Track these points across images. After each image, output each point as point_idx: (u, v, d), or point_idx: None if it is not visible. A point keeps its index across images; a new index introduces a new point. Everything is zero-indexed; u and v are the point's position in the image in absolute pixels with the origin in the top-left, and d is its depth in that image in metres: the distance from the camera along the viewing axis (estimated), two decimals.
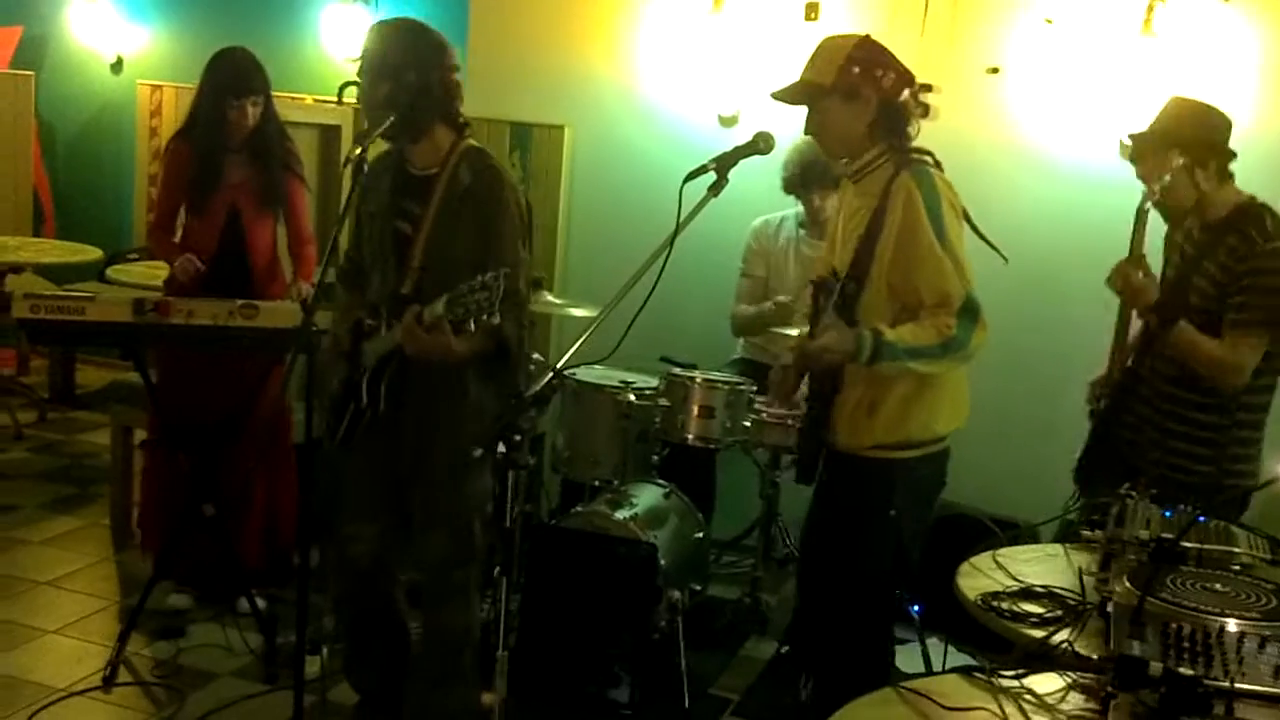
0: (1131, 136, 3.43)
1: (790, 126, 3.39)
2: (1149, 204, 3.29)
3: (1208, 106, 3.32)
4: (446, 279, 3.02)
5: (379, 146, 3.30)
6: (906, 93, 3.07)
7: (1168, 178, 3.21)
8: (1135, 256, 3.31)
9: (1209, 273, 3.23)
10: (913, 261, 2.99)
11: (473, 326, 2.89)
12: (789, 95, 3.13)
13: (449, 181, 3.20)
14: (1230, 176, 3.30)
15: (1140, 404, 3.39)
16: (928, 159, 3.09)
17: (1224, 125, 3.30)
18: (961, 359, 3.01)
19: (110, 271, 6.31)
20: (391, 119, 3.10)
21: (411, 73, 3.12)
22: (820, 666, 3.39)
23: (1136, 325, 3.48)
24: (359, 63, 3.20)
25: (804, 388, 3.39)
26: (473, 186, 3.19)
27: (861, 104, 3.04)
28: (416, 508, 3.35)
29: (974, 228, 3.12)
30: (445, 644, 3.40)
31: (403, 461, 3.33)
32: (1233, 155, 3.29)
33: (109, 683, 3.79)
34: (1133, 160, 3.41)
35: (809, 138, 3.23)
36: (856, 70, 3.03)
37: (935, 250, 2.98)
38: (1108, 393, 3.51)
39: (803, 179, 4.56)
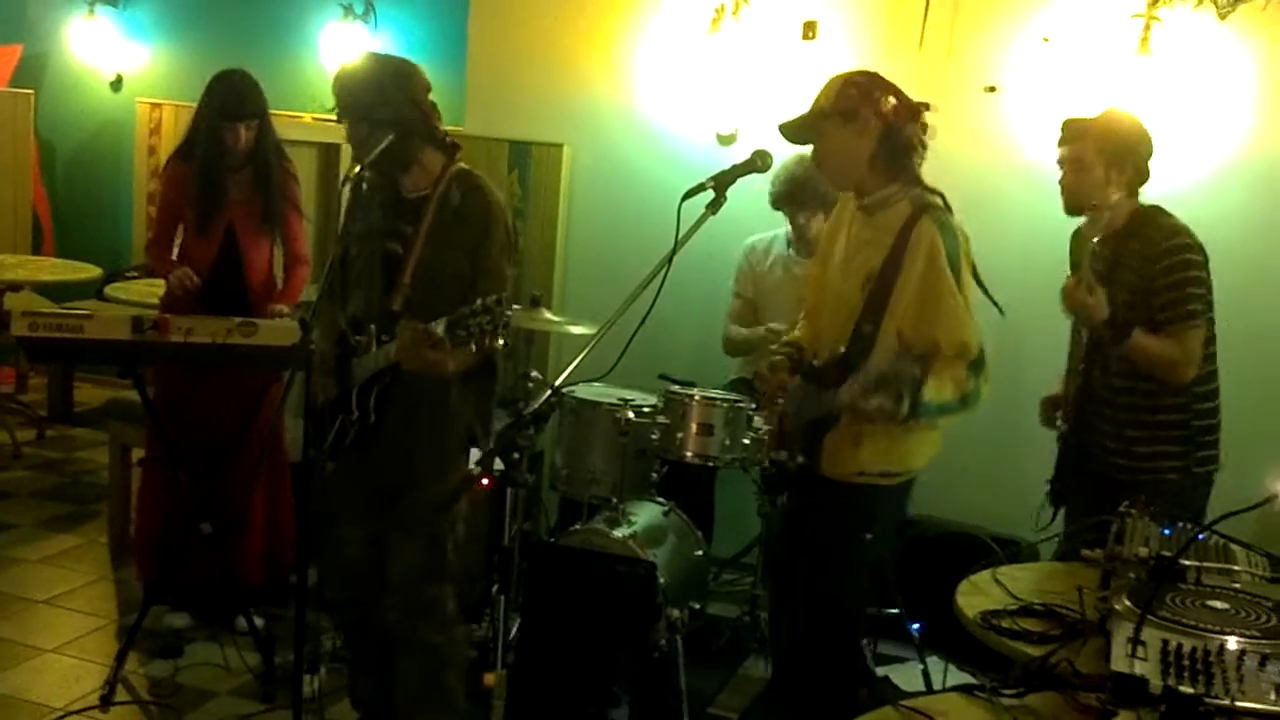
0: (1067, 120, 3.50)
1: (788, 146, 3.40)
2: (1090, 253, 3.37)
3: (1141, 124, 3.45)
4: (435, 296, 3.13)
5: None
6: (911, 126, 3.06)
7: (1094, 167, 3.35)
8: (1080, 275, 3.37)
9: (1124, 281, 3.34)
10: (934, 312, 2.97)
11: (473, 348, 2.93)
12: (795, 129, 3.15)
13: (440, 202, 3.26)
14: (1135, 191, 3.41)
15: (1098, 418, 3.47)
16: (939, 201, 3.08)
17: (1146, 140, 3.42)
18: (973, 412, 3.00)
19: (109, 289, 6.30)
20: (389, 140, 3.13)
21: (382, 109, 3.18)
22: (792, 685, 3.38)
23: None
24: (335, 110, 3.27)
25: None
26: (462, 206, 3.26)
27: (860, 125, 3.03)
28: (395, 518, 3.38)
29: (978, 279, 3.11)
30: (422, 663, 3.40)
31: (386, 473, 3.37)
32: (1146, 178, 3.42)
33: (106, 702, 3.78)
34: (1061, 142, 3.47)
35: (801, 155, 3.25)
36: (854, 92, 3.04)
37: (957, 301, 2.98)
38: (1068, 411, 3.57)
39: (789, 196, 4.54)
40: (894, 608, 4.01)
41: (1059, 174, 3.47)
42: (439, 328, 2.92)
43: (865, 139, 3.05)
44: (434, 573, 3.36)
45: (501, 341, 2.94)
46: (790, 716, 3.39)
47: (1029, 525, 3.50)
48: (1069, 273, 3.54)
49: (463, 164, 3.34)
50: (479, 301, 2.87)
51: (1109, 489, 3.30)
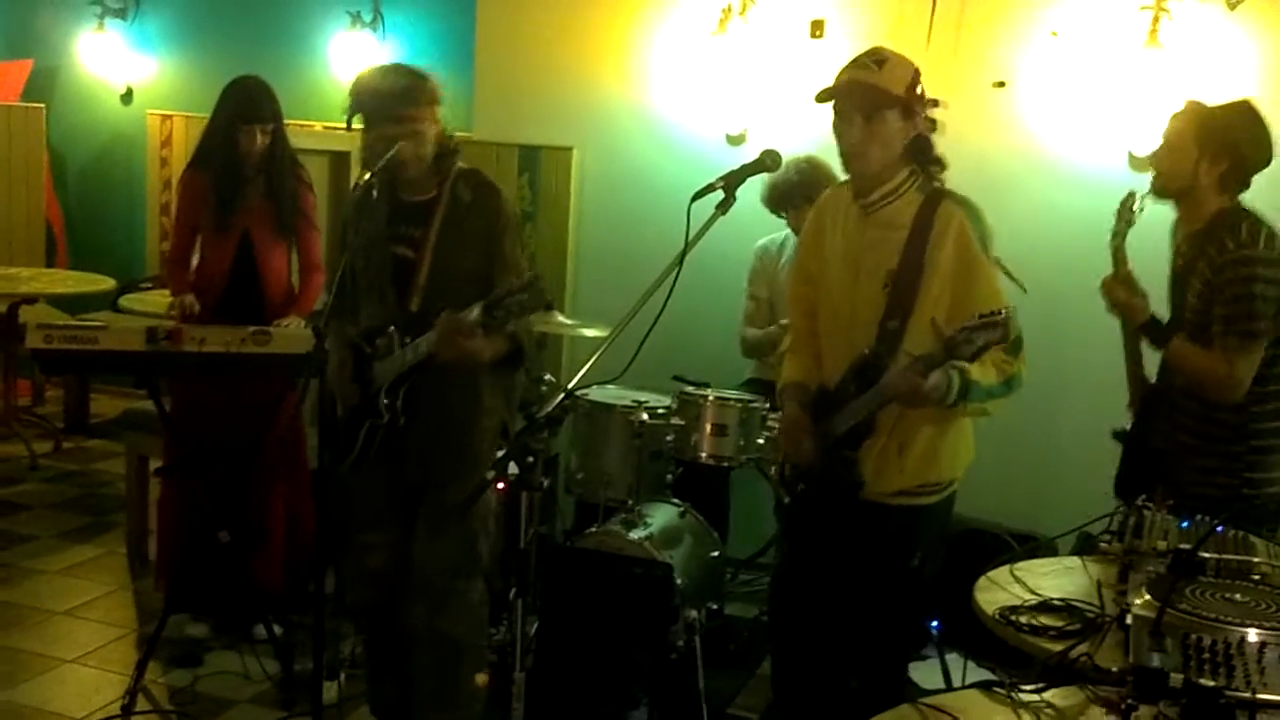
0: (1190, 99, 3.33)
1: (797, 145, 3.40)
2: (1137, 210, 3.30)
3: (1259, 120, 3.23)
4: (454, 291, 3.18)
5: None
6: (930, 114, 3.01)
7: (1188, 151, 3.17)
8: (1120, 273, 3.31)
9: (1194, 285, 3.19)
10: (971, 294, 2.88)
11: (512, 327, 3.05)
12: (849, 92, 2.94)
13: (449, 203, 3.32)
14: (1230, 190, 3.22)
15: (1164, 419, 3.36)
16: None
17: (1260, 142, 3.21)
18: (1016, 394, 2.92)
19: (123, 300, 6.33)
20: (396, 148, 3.14)
21: (410, 123, 3.21)
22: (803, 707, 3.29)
23: None
24: (400, 111, 3.22)
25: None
26: (474, 203, 3.32)
27: (910, 127, 2.96)
28: (424, 517, 3.39)
29: (998, 261, 3.05)
30: (443, 655, 3.41)
31: (414, 470, 3.39)
32: (1247, 174, 3.21)
33: (127, 712, 3.79)
34: (1172, 118, 3.30)
35: (802, 160, 3.15)
36: (919, 90, 2.96)
37: (994, 283, 2.92)
38: (1133, 410, 3.51)
39: (784, 198, 4.51)
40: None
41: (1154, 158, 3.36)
42: (475, 312, 2.97)
43: (908, 132, 2.97)
44: (464, 568, 3.39)
45: (546, 315, 2.98)
46: None
47: (1045, 521, 3.49)
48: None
49: (462, 162, 3.39)
50: (514, 283, 2.94)
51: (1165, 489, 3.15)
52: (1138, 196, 3.34)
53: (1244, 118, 3.22)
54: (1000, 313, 2.63)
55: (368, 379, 3.36)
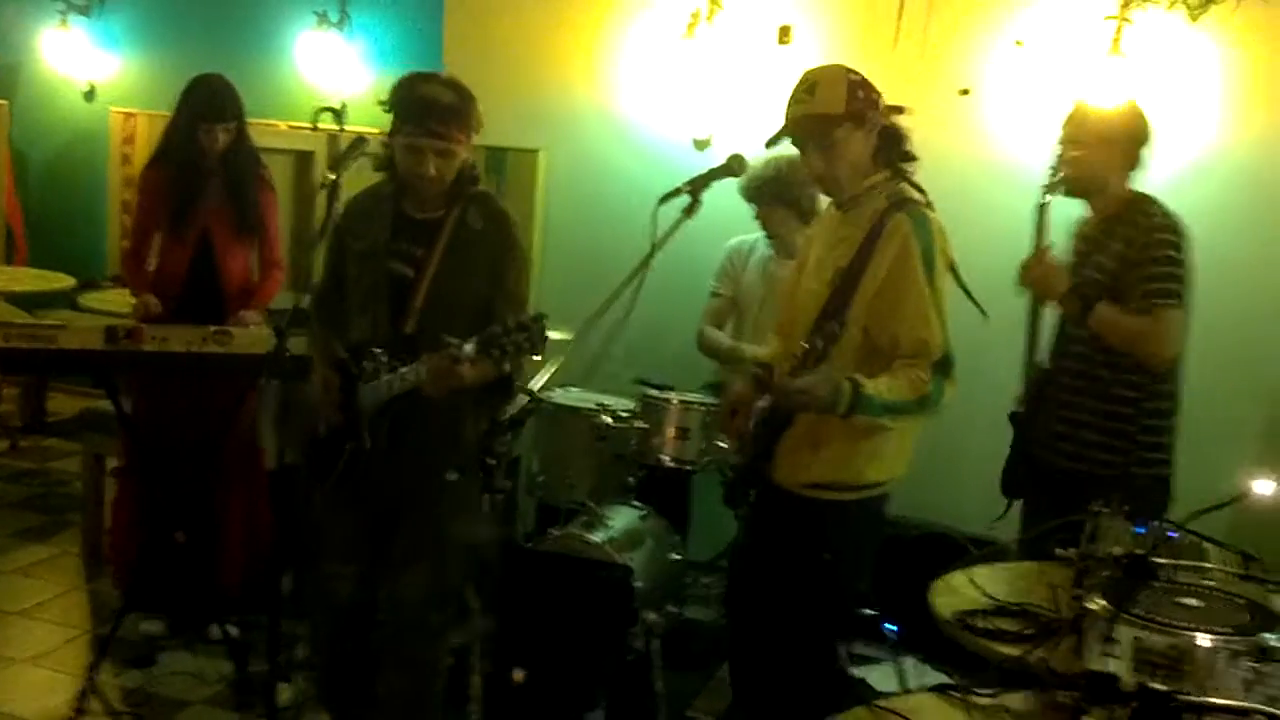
0: (1079, 103, 3.54)
1: (764, 150, 3.40)
2: (1048, 198, 3.40)
3: (1143, 113, 3.48)
4: (450, 319, 3.04)
5: (365, 177, 3.29)
6: (894, 117, 3.04)
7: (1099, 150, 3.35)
8: (1040, 250, 3.39)
9: (1100, 264, 3.35)
10: (897, 307, 2.91)
11: (507, 367, 2.87)
12: (795, 130, 3.01)
13: (456, 225, 3.20)
14: (1126, 180, 3.43)
15: (1051, 403, 3.45)
16: (922, 199, 3.04)
17: (1147, 127, 3.45)
18: (932, 414, 2.96)
19: (82, 299, 6.29)
20: (363, 146, 3.11)
21: (444, 141, 3.13)
22: (757, 707, 3.32)
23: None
24: (438, 128, 3.10)
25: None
26: (485, 231, 3.21)
27: (868, 129, 2.99)
28: (400, 544, 3.30)
29: (958, 280, 3.07)
30: (415, 678, 3.36)
31: (391, 497, 3.29)
32: (1142, 161, 3.44)
33: (80, 713, 3.75)
34: (1068, 123, 3.46)
35: (770, 158, 3.19)
36: (860, 94, 2.97)
37: (924, 299, 2.91)
38: (1024, 393, 3.57)
39: (756, 192, 4.53)
40: (869, 609, 4.01)
41: (1055, 159, 3.44)
42: (469, 347, 2.83)
43: (872, 138, 3.01)
44: (440, 598, 3.33)
45: (537, 356, 2.87)
46: None
47: (1002, 524, 3.51)
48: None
49: (479, 186, 3.29)
50: (512, 319, 2.79)
51: (1058, 483, 3.36)
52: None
53: (1131, 111, 3.48)
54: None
55: (352, 401, 3.23)
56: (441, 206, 3.22)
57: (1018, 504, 3.57)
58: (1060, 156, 3.41)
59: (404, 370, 3.07)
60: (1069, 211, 3.54)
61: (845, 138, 2.96)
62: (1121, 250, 3.32)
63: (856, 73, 3.02)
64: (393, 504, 3.30)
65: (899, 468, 3.13)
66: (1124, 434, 3.35)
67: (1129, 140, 3.41)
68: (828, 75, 3.00)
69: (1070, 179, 3.41)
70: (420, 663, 3.36)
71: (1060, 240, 3.51)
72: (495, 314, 3.02)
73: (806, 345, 2.96)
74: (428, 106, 3.10)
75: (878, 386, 2.86)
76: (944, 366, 2.92)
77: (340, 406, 3.25)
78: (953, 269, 3.05)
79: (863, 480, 3.06)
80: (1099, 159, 3.38)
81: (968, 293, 3.08)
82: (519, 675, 3.35)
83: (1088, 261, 3.40)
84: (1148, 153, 3.45)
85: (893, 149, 3.04)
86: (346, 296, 3.31)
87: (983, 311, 3.11)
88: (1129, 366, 3.32)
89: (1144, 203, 3.40)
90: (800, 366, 2.96)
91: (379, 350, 3.15)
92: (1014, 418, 3.61)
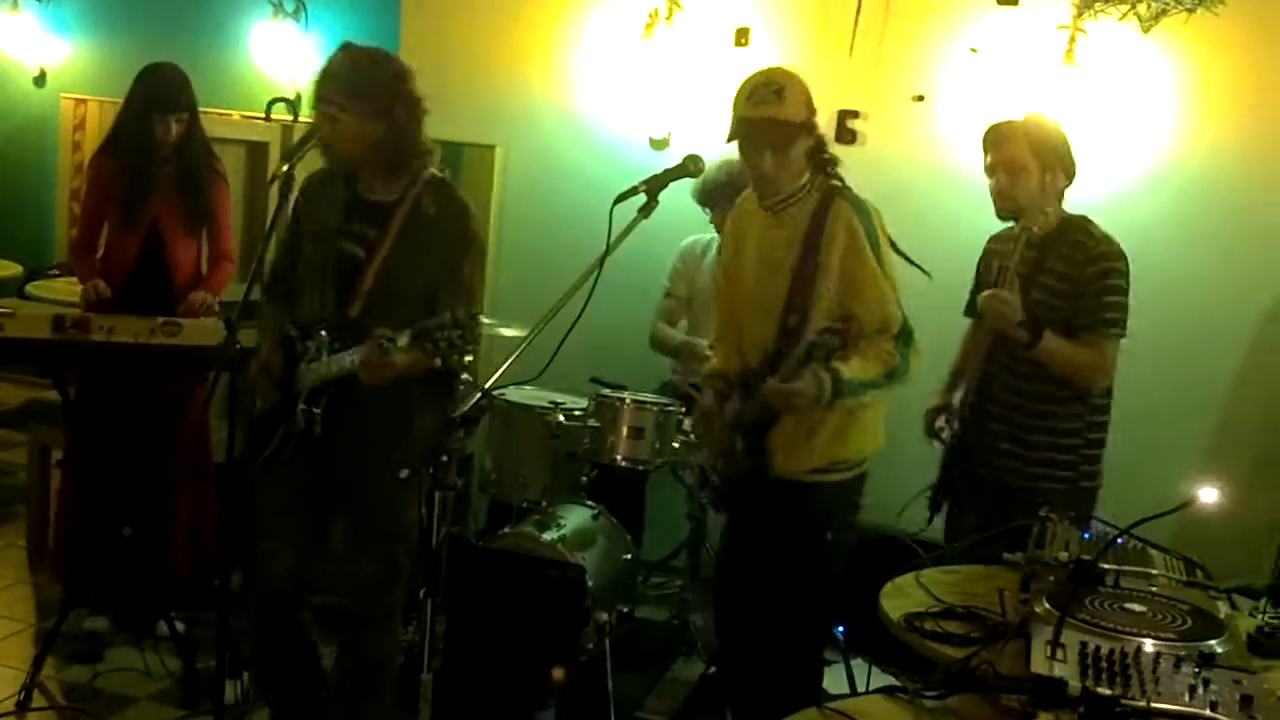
0: (993, 125, 3.50)
1: (721, 150, 3.41)
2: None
3: (1061, 128, 3.50)
4: (397, 305, 3.04)
5: (312, 163, 3.27)
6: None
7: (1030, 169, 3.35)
8: (1005, 279, 3.39)
9: (1046, 284, 3.36)
10: (856, 289, 3.05)
11: (439, 361, 2.79)
12: (755, 130, 3.05)
13: (411, 210, 3.17)
14: (1061, 199, 3.44)
15: (995, 422, 3.47)
16: (843, 183, 3.15)
17: (1069, 146, 3.45)
18: (902, 384, 3.09)
19: (30, 287, 6.20)
20: (317, 137, 3.08)
21: (401, 108, 3.10)
22: (746, 693, 3.39)
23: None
24: (326, 94, 3.08)
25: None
26: (439, 219, 3.17)
27: (811, 139, 3.11)
28: (345, 532, 3.30)
29: (897, 249, 3.18)
30: (368, 668, 3.36)
31: (331, 484, 3.27)
32: (1072, 181, 3.45)
33: (23, 708, 3.70)
34: (990, 146, 3.46)
35: (725, 161, 3.22)
36: (812, 104, 3.10)
37: (878, 277, 3.05)
38: (961, 414, 3.60)
39: (709, 196, 4.53)
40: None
41: (987, 180, 3.48)
42: (403, 339, 2.79)
43: (810, 141, 3.12)
44: (389, 582, 3.31)
45: (469, 358, 2.83)
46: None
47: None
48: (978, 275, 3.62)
49: (435, 170, 3.25)
50: (449, 315, 2.73)
51: (999, 496, 3.39)
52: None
53: (1054, 127, 3.50)
54: (837, 329, 2.91)
55: (291, 381, 3.22)
56: (396, 190, 3.19)
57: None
58: (995, 179, 3.43)
59: (340, 355, 3.07)
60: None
61: (799, 146, 3.08)
62: (1064, 271, 3.34)
63: (801, 80, 3.13)
64: (333, 489, 3.28)
65: (880, 442, 3.28)
66: (1068, 450, 3.40)
67: (1046, 153, 3.37)
68: (793, 81, 3.08)
69: (1000, 206, 3.44)
70: (374, 654, 3.35)
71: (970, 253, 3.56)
72: (440, 304, 2.96)
73: (772, 348, 3.12)
74: (321, 74, 3.12)
75: (852, 369, 3.00)
76: (906, 336, 3.08)
77: (278, 385, 3.23)
78: (891, 243, 3.16)
79: (859, 456, 3.23)
80: (1027, 179, 3.36)
81: (907, 258, 3.20)
82: (559, 674, 3.41)
83: (1031, 285, 3.38)
84: (1071, 163, 3.43)
85: (818, 152, 3.15)
86: (299, 274, 3.28)
87: (927, 274, 3.24)
88: (1078, 388, 3.37)
89: (1081, 224, 3.41)
90: (771, 365, 3.09)
91: (324, 331, 3.14)
92: (952, 438, 3.63)
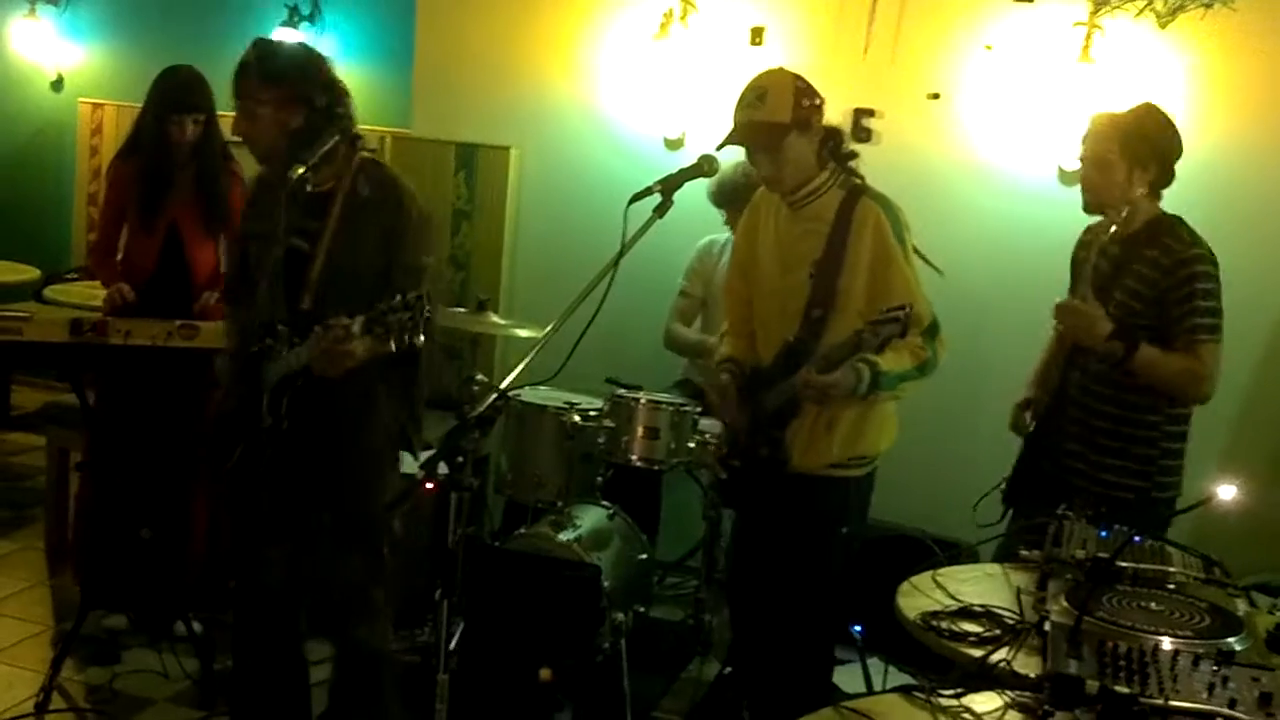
0: (1093, 115, 3.38)
1: (735, 151, 3.41)
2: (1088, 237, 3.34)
3: (1171, 122, 3.33)
4: (348, 292, 3.04)
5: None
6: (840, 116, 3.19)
7: (1117, 166, 3.22)
8: (1081, 292, 3.28)
9: (1129, 286, 3.23)
10: (887, 286, 3.10)
11: (392, 345, 2.78)
12: (744, 135, 3.17)
13: (347, 195, 3.14)
14: (1158, 196, 3.31)
15: (1070, 424, 3.36)
16: (865, 181, 3.21)
17: (1174, 139, 3.31)
18: (930, 376, 3.15)
19: (48, 291, 6.22)
20: (336, 139, 3.08)
21: (321, 95, 3.10)
22: (761, 689, 3.40)
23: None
24: (240, 90, 3.11)
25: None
26: (373, 198, 3.14)
27: (813, 134, 3.17)
28: (329, 528, 3.25)
29: (915, 249, 3.23)
30: (363, 665, 3.33)
31: (310, 481, 3.22)
32: (1170, 180, 3.31)
33: (42, 710, 3.71)
34: (1085, 138, 3.35)
35: (739, 161, 3.27)
36: (805, 102, 3.15)
37: (906, 272, 3.12)
38: (1037, 413, 3.54)
39: (725, 197, 4.54)
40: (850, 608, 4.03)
41: (1080, 170, 3.39)
42: (355, 326, 2.79)
43: (815, 141, 3.19)
44: (376, 575, 3.30)
45: (422, 338, 2.78)
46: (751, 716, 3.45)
47: (969, 527, 3.52)
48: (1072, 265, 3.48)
49: (366, 153, 3.22)
50: (398, 298, 2.72)
51: (1060, 495, 3.21)
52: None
53: (1155, 120, 3.31)
54: (903, 308, 2.89)
55: (255, 380, 3.17)
56: (331, 178, 3.14)
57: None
58: (1083, 173, 3.34)
59: (299, 349, 3.03)
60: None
61: (792, 143, 3.14)
62: (1154, 277, 3.19)
63: (802, 79, 3.20)
64: (313, 491, 3.23)
65: (893, 437, 3.33)
66: (1140, 459, 3.26)
67: (1149, 151, 3.24)
68: (776, 83, 3.17)
69: (1086, 199, 3.33)
70: (368, 649, 3.32)
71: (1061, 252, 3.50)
72: (394, 286, 2.91)
73: (792, 339, 3.18)
74: (234, 73, 3.13)
75: (888, 362, 3.04)
76: (935, 329, 3.14)
77: (246, 383, 3.20)
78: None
79: (874, 451, 3.28)
80: (1113, 175, 3.23)
81: (923, 257, 3.25)
82: (546, 674, 3.41)
83: (1114, 286, 3.25)
84: (1171, 161, 3.29)
85: (835, 146, 3.22)
86: (252, 277, 3.24)
87: (939, 271, 3.29)
88: (1158, 393, 3.23)
89: (1172, 225, 3.26)
90: (787, 357, 3.17)
91: (282, 327, 3.12)
92: (1028, 433, 3.55)
